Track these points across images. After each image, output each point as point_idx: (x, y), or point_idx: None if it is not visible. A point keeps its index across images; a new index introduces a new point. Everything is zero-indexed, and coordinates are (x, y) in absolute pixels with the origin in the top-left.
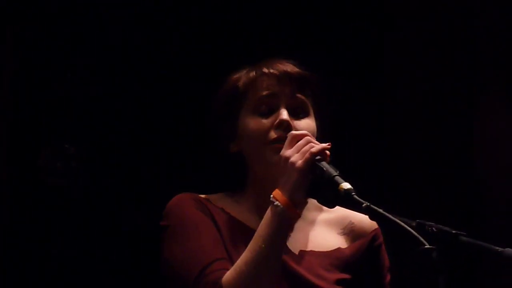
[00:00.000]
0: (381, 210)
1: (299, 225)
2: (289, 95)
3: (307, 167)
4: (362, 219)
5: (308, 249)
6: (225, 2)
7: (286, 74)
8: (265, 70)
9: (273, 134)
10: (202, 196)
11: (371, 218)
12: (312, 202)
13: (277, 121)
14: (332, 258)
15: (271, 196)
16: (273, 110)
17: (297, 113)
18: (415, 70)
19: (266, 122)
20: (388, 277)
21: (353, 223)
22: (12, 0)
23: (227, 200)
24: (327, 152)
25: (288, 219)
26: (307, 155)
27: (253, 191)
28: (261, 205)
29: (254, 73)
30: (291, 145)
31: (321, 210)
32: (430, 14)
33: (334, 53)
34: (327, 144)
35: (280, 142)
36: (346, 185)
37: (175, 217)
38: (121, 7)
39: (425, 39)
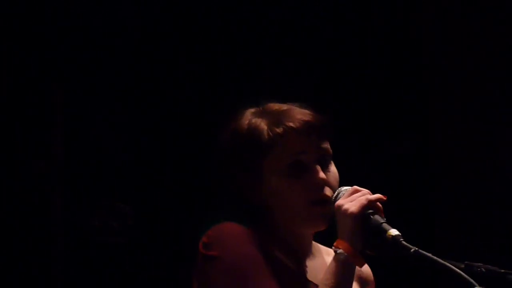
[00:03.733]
0: (429, 254)
1: (319, 271)
2: (317, 148)
3: (361, 213)
4: (365, 266)
5: None
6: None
7: (311, 127)
8: (292, 125)
9: (314, 196)
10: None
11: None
12: (322, 247)
13: (316, 181)
14: None
15: (333, 245)
16: (304, 167)
17: (324, 163)
18: None
19: (302, 183)
20: None
21: (360, 270)
22: (59, 61)
23: (263, 236)
24: (379, 204)
25: (353, 266)
26: (363, 201)
27: (284, 233)
28: (292, 248)
29: (281, 129)
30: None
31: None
32: None
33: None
34: (384, 195)
35: (321, 204)
36: (393, 232)
37: (226, 248)
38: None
39: None
